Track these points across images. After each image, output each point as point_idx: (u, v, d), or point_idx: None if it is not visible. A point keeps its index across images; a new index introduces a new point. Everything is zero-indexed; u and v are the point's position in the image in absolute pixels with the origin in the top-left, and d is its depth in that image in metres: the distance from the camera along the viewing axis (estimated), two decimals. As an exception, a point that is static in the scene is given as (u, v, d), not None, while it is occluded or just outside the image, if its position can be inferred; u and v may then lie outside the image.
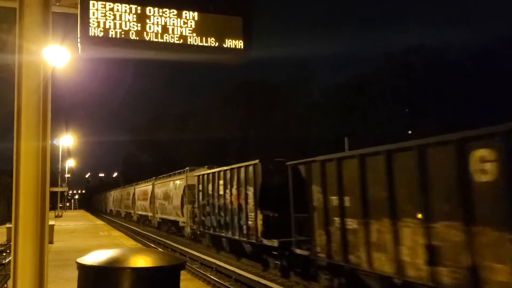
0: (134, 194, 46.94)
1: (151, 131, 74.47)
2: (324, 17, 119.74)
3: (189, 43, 4.19)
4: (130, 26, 4.02)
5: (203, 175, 22.49)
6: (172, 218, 30.64)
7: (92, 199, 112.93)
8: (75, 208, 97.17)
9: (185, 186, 26.32)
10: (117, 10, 3.99)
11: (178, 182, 28.95)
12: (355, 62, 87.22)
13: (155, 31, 4.09)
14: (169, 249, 24.08)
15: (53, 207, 53.21)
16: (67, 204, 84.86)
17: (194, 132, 60.99)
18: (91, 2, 3.91)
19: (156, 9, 4.11)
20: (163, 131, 70.50)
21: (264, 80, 56.78)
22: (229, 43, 4.33)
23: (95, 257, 3.55)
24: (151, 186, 38.11)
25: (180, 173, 31.05)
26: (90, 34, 3.91)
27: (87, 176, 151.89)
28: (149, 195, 38.24)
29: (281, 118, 50.72)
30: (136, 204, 46.03)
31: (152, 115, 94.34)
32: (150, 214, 38.69)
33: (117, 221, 53.01)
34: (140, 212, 44.30)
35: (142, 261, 3.49)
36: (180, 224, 28.31)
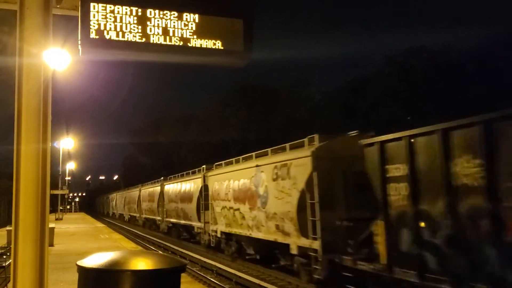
0: (161, 193, 33.37)
1: (152, 134, 74.62)
2: (324, 20, 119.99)
3: (190, 45, 4.19)
4: (131, 29, 4.02)
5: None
6: (267, 237, 16.16)
7: (95, 202, 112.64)
8: (75, 211, 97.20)
9: (312, 173, 13.04)
10: (118, 13, 3.99)
11: (294, 163, 14.35)
12: (355, 65, 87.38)
13: (156, 33, 4.09)
14: (169, 252, 24.03)
15: (53, 209, 53.21)
16: (68, 206, 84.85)
17: (195, 135, 61.03)
18: (91, 5, 3.91)
19: (156, 11, 4.10)
20: (164, 133, 70.64)
21: (265, 82, 57.02)
22: (230, 45, 4.33)
23: (96, 260, 3.54)
24: (200, 179, 24.06)
25: (286, 148, 16.17)
26: (90, 37, 3.91)
27: (87, 178, 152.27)
28: (195, 195, 24.71)
29: (281, 120, 50.72)
30: (166, 209, 32.13)
31: (153, 118, 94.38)
32: (197, 224, 24.54)
33: (118, 223, 52.89)
34: (173, 220, 30.24)
35: (142, 263, 3.48)
36: (294, 250, 14.05)
